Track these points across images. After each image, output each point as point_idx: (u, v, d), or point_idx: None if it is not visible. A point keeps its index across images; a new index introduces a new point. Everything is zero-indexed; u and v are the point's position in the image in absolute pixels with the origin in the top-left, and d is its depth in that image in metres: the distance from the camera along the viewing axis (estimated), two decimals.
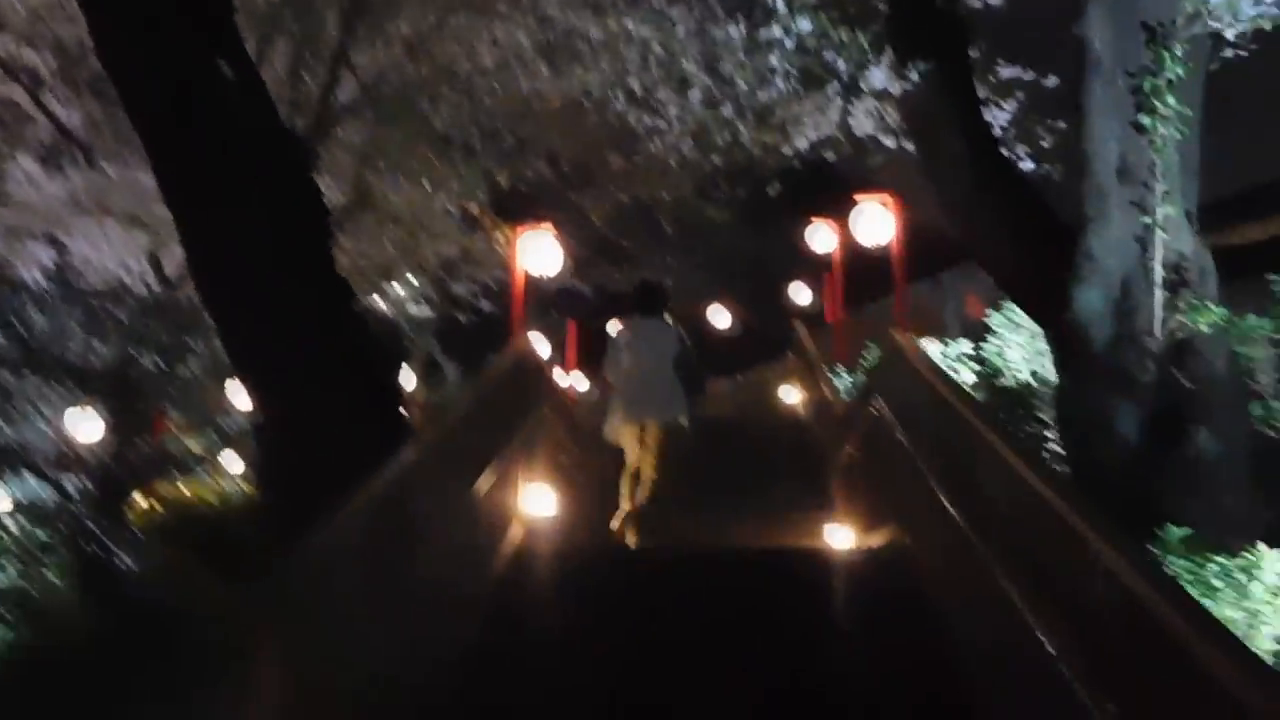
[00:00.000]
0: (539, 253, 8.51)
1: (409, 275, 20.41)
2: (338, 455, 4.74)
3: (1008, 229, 6.79)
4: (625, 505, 7.12)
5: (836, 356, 12.27)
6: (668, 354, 7.10)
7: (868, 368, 8.70)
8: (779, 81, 8.51)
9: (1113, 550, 2.94)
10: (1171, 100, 5.49)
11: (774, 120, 9.59)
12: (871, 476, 7.01)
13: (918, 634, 5.05)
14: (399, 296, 20.97)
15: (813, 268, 19.02)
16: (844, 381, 11.07)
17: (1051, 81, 8.81)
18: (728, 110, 9.81)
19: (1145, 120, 5.58)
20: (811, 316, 17.19)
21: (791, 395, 12.83)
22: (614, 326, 18.95)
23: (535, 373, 6.63)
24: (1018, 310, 11.87)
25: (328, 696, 2.97)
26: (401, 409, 5.73)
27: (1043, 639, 3.32)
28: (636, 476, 7.09)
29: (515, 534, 6.11)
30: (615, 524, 7.13)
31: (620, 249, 22.44)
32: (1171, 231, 5.73)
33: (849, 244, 13.36)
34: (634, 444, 7.07)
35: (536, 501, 6.46)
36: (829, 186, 23.81)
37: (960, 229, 7.23)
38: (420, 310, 22.12)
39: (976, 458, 4.37)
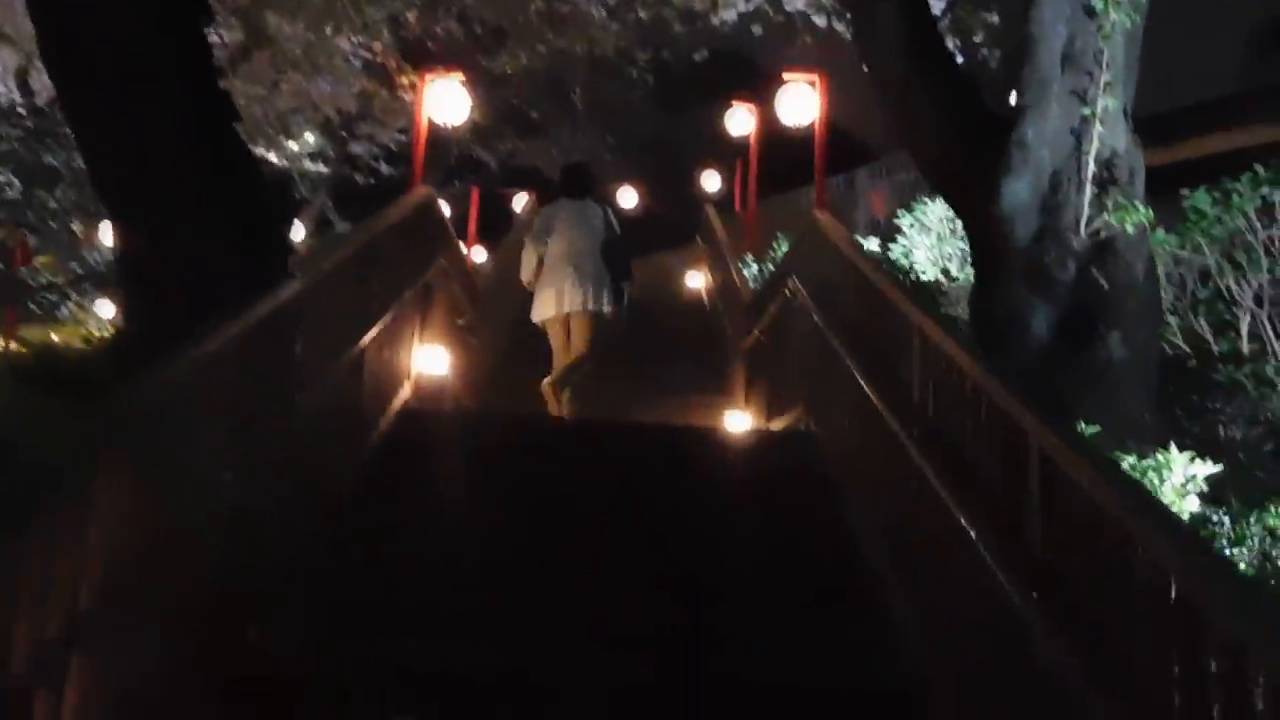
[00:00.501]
0: (446, 102, 7.95)
1: (306, 131, 19.41)
2: (209, 297, 4.27)
3: (939, 112, 6.51)
4: (555, 411, 6.75)
5: (746, 245, 12.03)
6: (596, 238, 6.89)
7: (784, 250, 8.49)
8: None
9: (1049, 433, 2.75)
10: None
11: None
12: (780, 360, 6.83)
13: (816, 512, 4.92)
14: (294, 151, 19.96)
15: (725, 154, 18.64)
16: (751, 270, 10.86)
17: None
18: None
19: (1098, 3, 5.34)
20: (720, 204, 16.88)
21: (697, 280, 12.60)
22: (521, 200, 18.48)
23: (434, 224, 6.18)
24: (927, 213, 11.87)
25: (176, 534, 2.64)
26: (288, 260, 5.24)
27: (964, 524, 3.15)
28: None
29: (404, 393, 5.75)
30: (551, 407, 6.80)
31: (528, 120, 21.67)
32: (1108, 126, 5.55)
33: (766, 130, 13.04)
34: (561, 331, 6.88)
35: (429, 361, 6.10)
36: (750, 69, 23.34)
37: (889, 109, 6.93)
38: (315, 166, 21.09)
39: (899, 336, 4.16)
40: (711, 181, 18.06)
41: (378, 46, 13.66)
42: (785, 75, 8.39)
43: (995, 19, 7.55)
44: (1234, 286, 8.03)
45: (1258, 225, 7.83)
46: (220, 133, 4.27)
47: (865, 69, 7.17)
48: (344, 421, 4.68)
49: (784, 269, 6.85)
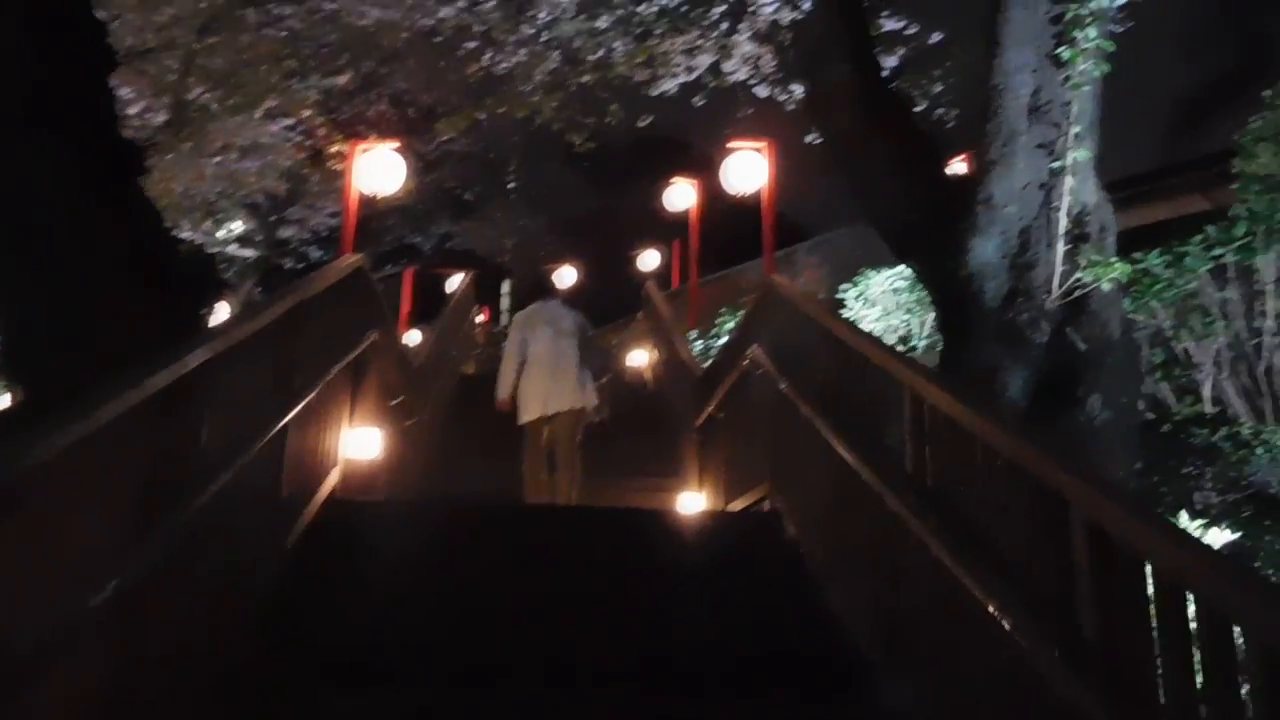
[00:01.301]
0: (378, 171, 7.52)
1: (233, 215, 18.86)
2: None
3: (897, 169, 6.23)
4: (541, 497, 6.89)
5: (690, 321, 11.68)
6: (574, 338, 7.09)
7: (729, 325, 8.13)
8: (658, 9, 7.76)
9: (1103, 499, 2.33)
10: (1093, 33, 5.02)
11: (647, 53, 8.82)
12: (738, 436, 6.39)
13: (792, 597, 4.44)
14: (221, 236, 19.35)
15: (662, 233, 18.45)
16: (696, 347, 10.49)
17: (935, 37, 8.38)
18: (597, 46, 9.01)
19: (1064, 53, 5.11)
20: (659, 282, 16.58)
21: (640, 358, 12.19)
22: (455, 280, 18.00)
23: (366, 295, 5.68)
24: (870, 285, 11.66)
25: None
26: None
27: (984, 601, 2.70)
28: (550, 464, 6.95)
29: (332, 480, 5.18)
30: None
31: (462, 202, 21.34)
32: (1078, 180, 5.29)
33: (706, 206, 12.81)
34: (542, 433, 6.99)
35: (360, 445, 5.54)
36: (683, 149, 23.33)
37: (843, 169, 6.65)
38: (244, 251, 20.46)
39: (887, 398, 3.75)
40: (650, 259, 17.81)
41: (308, 119, 13.23)
42: (731, 144, 8.13)
43: (951, 79, 7.36)
44: (1192, 349, 7.83)
45: (1211, 287, 7.67)
46: (119, 184, 3.75)
47: (816, 129, 6.93)
48: (261, 511, 4.11)
49: (741, 339, 6.45)
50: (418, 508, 5.75)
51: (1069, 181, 5.19)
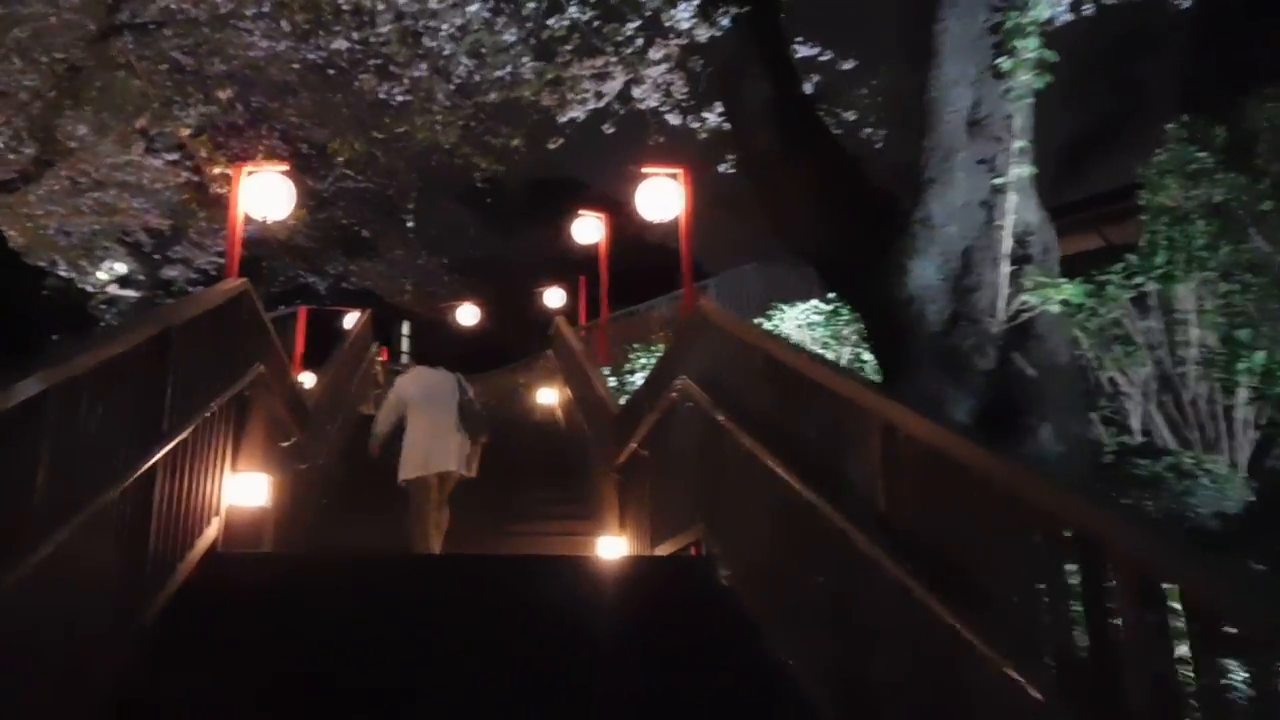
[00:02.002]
0: (265, 195, 6.87)
1: (112, 256, 17.75)
2: None
3: (820, 189, 5.90)
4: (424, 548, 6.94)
5: (601, 358, 11.19)
6: (454, 405, 7.38)
7: (665, 351, 7.64)
8: (568, 29, 7.32)
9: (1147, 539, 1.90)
10: (1033, 43, 4.74)
11: (554, 73, 8.37)
12: (665, 475, 5.88)
13: (736, 653, 3.94)
14: (100, 278, 18.19)
15: (565, 271, 17.98)
16: (610, 383, 9.99)
17: (848, 64, 8.11)
18: (502, 65, 8.52)
19: (1004, 64, 4.82)
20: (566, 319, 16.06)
21: (550, 397, 11.62)
22: (351, 318, 17.20)
23: (251, 323, 5.03)
24: (785, 319, 11.36)
25: None
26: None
27: (989, 655, 2.24)
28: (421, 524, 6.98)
29: (211, 532, 4.50)
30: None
31: (359, 240, 20.53)
32: (1021, 198, 4.99)
33: (614, 240, 12.41)
34: (429, 491, 7.10)
35: (245, 491, 4.87)
36: (581, 189, 22.96)
37: (761, 190, 6.29)
38: (125, 292, 19.27)
39: (849, 429, 3.30)
40: (555, 297, 17.29)
41: (192, 152, 12.39)
42: (645, 169, 7.72)
43: (878, 98, 7.06)
44: (1118, 379, 7.64)
45: (1134, 316, 7.49)
46: None
47: (735, 151, 6.57)
48: (117, 572, 3.44)
49: (666, 371, 5.98)
50: (308, 562, 5.08)
51: (1012, 199, 4.89)
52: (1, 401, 2.43)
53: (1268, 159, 7.21)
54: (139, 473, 3.43)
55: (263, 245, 18.28)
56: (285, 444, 5.95)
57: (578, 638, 4.03)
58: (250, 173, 7.17)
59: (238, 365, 4.79)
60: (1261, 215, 6.94)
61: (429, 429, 7.18)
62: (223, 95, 10.41)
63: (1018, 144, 4.84)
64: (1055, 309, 4.86)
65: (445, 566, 5.20)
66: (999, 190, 4.95)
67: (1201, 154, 7.20)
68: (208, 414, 4.28)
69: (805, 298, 13.03)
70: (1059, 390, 5.05)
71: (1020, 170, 4.85)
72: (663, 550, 5.95)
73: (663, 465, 6.02)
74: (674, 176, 7.66)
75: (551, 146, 8.54)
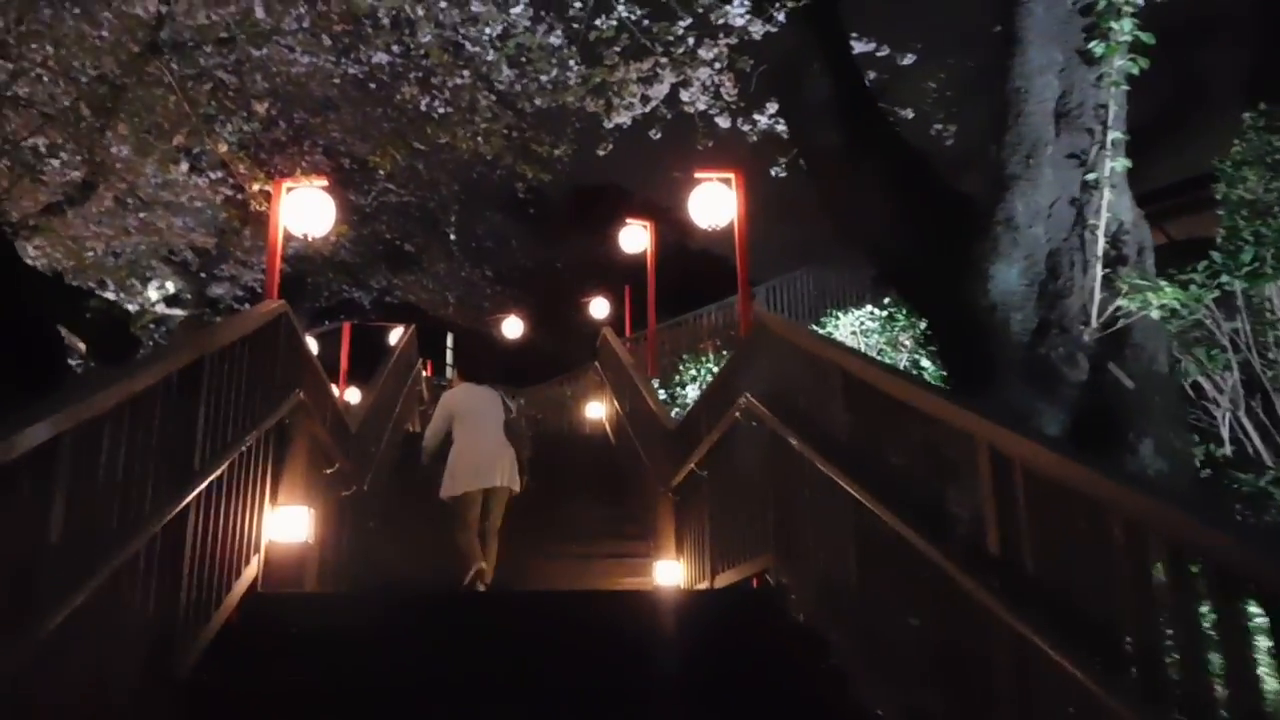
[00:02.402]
0: (305, 211, 6.62)
1: (159, 274, 17.74)
2: None
3: (890, 190, 5.50)
4: (479, 563, 6.81)
5: (649, 370, 10.83)
6: (500, 421, 7.37)
7: (725, 366, 7.26)
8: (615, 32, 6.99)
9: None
10: (1128, 24, 4.33)
11: (599, 85, 8.06)
12: (729, 497, 5.50)
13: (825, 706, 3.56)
14: (148, 296, 18.19)
15: (610, 281, 17.67)
16: (659, 395, 9.63)
17: (907, 59, 7.70)
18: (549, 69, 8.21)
19: (1096, 48, 4.40)
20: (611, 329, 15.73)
21: (598, 411, 11.28)
22: (396, 334, 17.01)
23: (290, 348, 4.74)
24: (839, 326, 10.94)
25: None
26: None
27: None
28: (481, 535, 6.94)
29: (250, 572, 4.21)
30: (465, 579, 6.76)
31: (402, 253, 20.38)
32: (1115, 194, 4.57)
33: (659, 248, 12.05)
34: (476, 506, 7.00)
35: (285, 526, 4.57)
36: (626, 197, 22.64)
37: (825, 192, 5.91)
38: (171, 310, 19.25)
39: (952, 456, 2.92)
40: (600, 308, 16.96)
41: (235, 170, 12.22)
42: (698, 174, 7.35)
43: (948, 93, 6.64)
44: (1204, 384, 7.13)
45: (1219, 317, 6.98)
46: None
47: (796, 150, 6.19)
48: (148, 623, 3.14)
49: (725, 387, 5.61)
50: (353, 603, 4.76)
51: (1106, 196, 4.47)
52: (15, 440, 2.14)
53: None
54: (169, 517, 3.13)
55: (306, 261, 18.17)
56: (328, 471, 5.66)
57: (649, 682, 3.69)
58: (290, 189, 6.91)
59: (276, 392, 4.49)
60: None
61: (475, 444, 7.12)
62: (260, 109, 10.15)
63: (1112, 135, 4.42)
64: (1155, 314, 4.42)
65: (498, 605, 4.85)
66: (1090, 186, 4.53)
67: None
68: (244, 447, 3.98)
69: (858, 303, 12.61)
70: (1159, 402, 4.61)
71: (1115, 164, 4.43)
72: (725, 579, 5.58)
73: (724, 488, 5.65)
74: (727, 181, 7.29)
75: (601, 153, 8.22)
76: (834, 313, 10.89)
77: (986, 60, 5.13)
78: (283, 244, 6.75)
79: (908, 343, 10.87)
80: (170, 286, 18.50)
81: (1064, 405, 4.63)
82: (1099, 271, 4.52)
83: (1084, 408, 4.60)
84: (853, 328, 10.90)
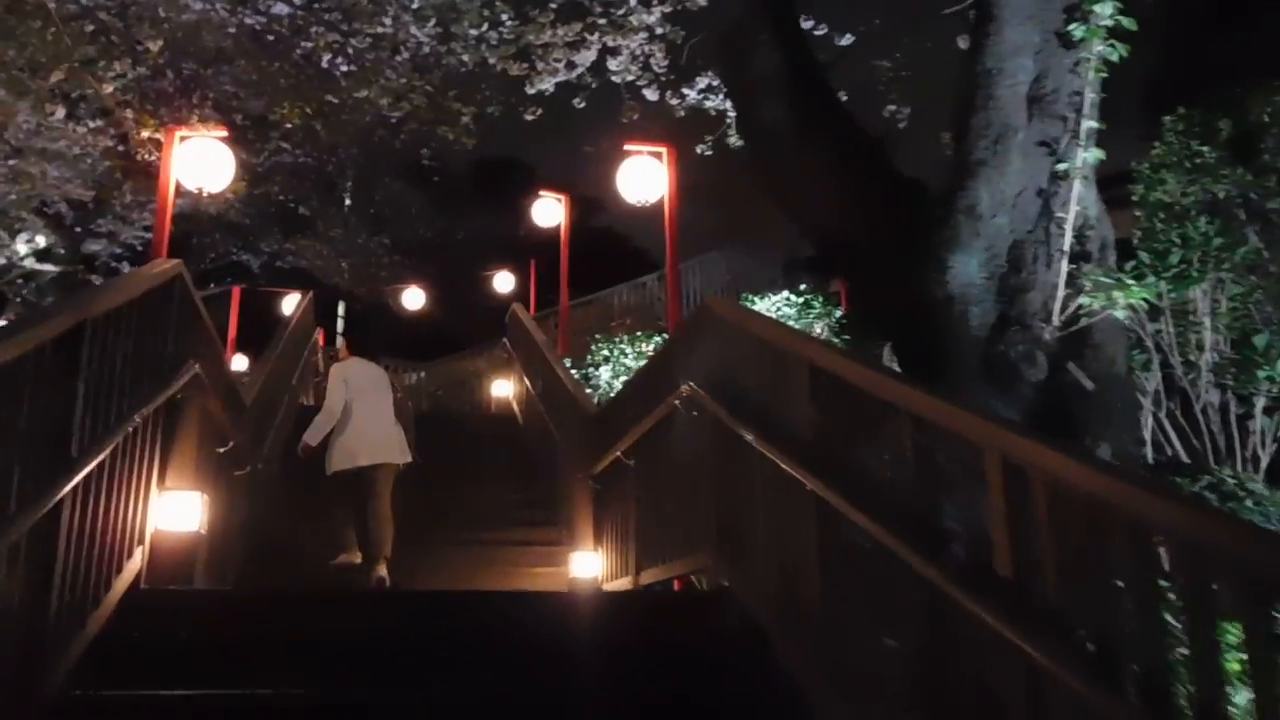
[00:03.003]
0: (201, 163, 5.97)
1: (29, 227, 16.47)
2: None
3: (840, 172, 5.20)
4: (356, 556, 6.53)
5: (561, 349, 10.40)
6: (389, 400, 7.15)
7: (661, 349, 6.93)
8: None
9: None
10: (1110, 8, 4.09)
11: (522, 48, 7.58)
12: (661, 488, 5.14)
13: None
14: (15, 250, 16.90)
15: (516, 255, 17.12)
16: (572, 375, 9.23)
17: (845, 39, 7.43)
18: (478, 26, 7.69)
19: (1076, 31, 4.16)
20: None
21: (506, 389, 10.81)
22: (292, 301, 16.14)
23: (183, 314, 4.17)
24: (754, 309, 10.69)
25: None
26: None
27: None
28: (369, 519, 6.49)
29: (134, 566, 3.67)
30: (335, 563, 6.57)
31: (296, 218, 19.41)
32: (1083, 186, 4.35)
33: (549, 232, 11.60)
34: (369, 483, 6.63)
35: (174, 513, 4.03)
36: (526, 171, 22.00)
37: (769, 172, 5.58)
38: (43, 266, 17.94)
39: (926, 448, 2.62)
40: (505, 282, 16.38)
41: (120, 117, 11.29)
42: (628, 147, 6.95)
43: (903, 72, 6.35)
44: None
45: (1144, 319, 6.93)
46: None
47: (739, 126, 5.84)
48: (11, 636, 2.62)
49: (661, 372, 5.24)
50: (246, 601, 4.22)
51: (1076, 187, 4.24)
52: None
53: (1275, 153, 6.70)
54: (36, 518, 2.60)
55: (193, 220, 17.13)
56: (221, 450, 5.09)
57: (581, 700, 3.32)
58: (184, 138, 6.25)
59: (169, 365, 3.94)
60: (1267, 213, 6.46)
61: (370, 418, 6.86)
62: (154, 47, 9.31)
63: (1086, 124, 4.19)
64: (1120, 313, 4.23)
65: (403, 604, 4.39)
66: (1059, 177, 4.30)
67: (1203, 148, 6.69)
68: (131, 428, 3.44)
69: (770, 286, 12.41)
70: (1116, 405, 4.43)
71: (1088, 154, 4.21)
72: (652, 575, 5.23)
73: (655, 479, 5.29)
74: (658, 155, 6.91)
75: (529, 117, 7.75)
76: (749, 297, 10.63)
77: (945, 41, 4.85)
78: (174, 198, 6.11)
79: (824, 331, 10.71)
80: (41, 240, 17.23)
81: (1021, 405, 4.41)
82: (1064, 267, 4.31)
83: (1040, 408, 4.38)
84: (769, 312, 10.68)
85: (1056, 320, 4.36)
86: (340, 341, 7.14)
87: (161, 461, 4.01)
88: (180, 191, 6.28)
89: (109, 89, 9.28)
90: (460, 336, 18.35)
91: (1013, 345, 4.39)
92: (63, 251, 17.52)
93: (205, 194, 6.63)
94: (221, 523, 5.18)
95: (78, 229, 17.06)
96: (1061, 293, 4.32)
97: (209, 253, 19.72)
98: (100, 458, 3.13)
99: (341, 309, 24.51)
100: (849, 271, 5.34)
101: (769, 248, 13.33)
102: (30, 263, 17.03)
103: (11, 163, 13.43)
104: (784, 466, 3.55)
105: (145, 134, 9.09)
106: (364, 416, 6.84)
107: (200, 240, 19.15)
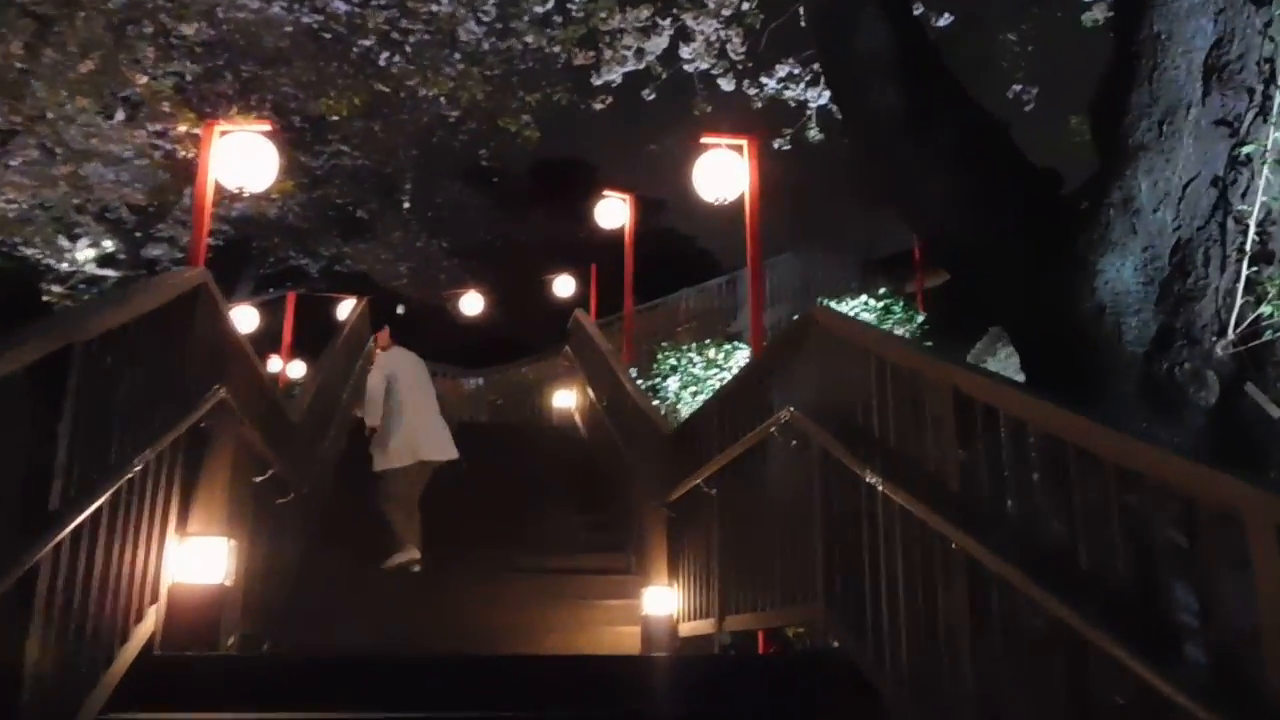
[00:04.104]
0: (242, 160, 5.44)
1: (91, 233, 16.29)
2: None
3: (958, 165, 4.48)
4: (414, 551, 6.28)
5: (624, 357, 9.76)
6: (433, 391, 6.97)
7: (751, 367, 6.27)
8: None
9: None
10: None
11: (587, 34, 6.97)
12: (752, 525, 4.46)
13: None
14: (77, 257, 16.77)
15: (577, 258, 16.50)
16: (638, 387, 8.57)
17: (943, 20, 6.68)
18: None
19: None
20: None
21: (569, 399, 10.19)
22: (347, 307, 15.72)
23: (209, 330, 3.60)
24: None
25: None
26: None
27: None
28: (411, 514, 6.38)
29: (145, 628, 3.10)
30: (393, 564, 6.24)
31: (355, 221, 19.03)
32: (1272, 173, 3.59)
33: (612, 236, 10.95)
34: (417, 481, 6.50)
35: (196, 563, 3.46)
36: (590, 174, 21.39)
37: (878, 165, 4.88)
38: (105, 271, 17.77)
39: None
40: (565, 287, 15.78)
41: (174, 122, 10.90)
42: (705, 139, 6.29)
43: (1029, 48, 5.57)
44: None
45: None
46: None
47: (841, 112, 5.15)
48: None
49: (754, 392, 4.55)
50: (282, 669, 3.60)
51: (1263, 173, 3.49)
52: None
53: None
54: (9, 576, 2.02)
55: (252, 224, 16.83)
56: (259, 479, 4.52)
57: None
58: (224, 132, 5.72)
59: (190, 391, 3.37)
60: None
61: (420, 412, 6.67)
62: (188, 31, 8.85)
63: None
64: None
65: (476, 671, 3.76)
66: (1241, 162, 3.55)
67: None
68: (138, 467, 2.86)
69: (846, 289, 11.67)
70: None
71: (1278, 134, 3.46)
72: (740, 622, 4.56)
73: (743, 514, 4.61)
74: (738, 149, 6.24)
75: (599, 106, 7.13)
76: (826, 301, 9.89)
77: (1076, 8, 4.11)
78: (214, 198, 5.57)
79: (899, 334, 9.94)
80: (106, 245, 17.08)
81: (1187, 433, 3.66)
82: (1243, 270, 3.55)
83: (1217, 438, 3.64)
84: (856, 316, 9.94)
85: (1232, 334, 3.61)
86: (385, 331, 6.66)
87: (182, 503, 3.44)
88: (229, 194, 5.75)
89: (143, 80, 8.81)
90: (519, 342, 17.80)
91: (1178, 363, 3.65)
92: (124, 257, 17.33)
93: (245, 194, 6.09)
94: (261, 562, 4.61)
95: (137, 234, 16.83)
96: (1239, 300, 3.57)
97: (269, 257, 19.47)
98: (93, 507, 2.54)
99: (400, 310, 24.16)
100: (967, 276, 4.61)
101: (843, 249, 12.57)
102: (91, 268, 16.85)
103: (68, 167, 13.17)
104: (923, 518, 2.86)
105: (183, 129, 8.62)
106: (416, 410, 6.58)
107: (260, 244, 18.88)
